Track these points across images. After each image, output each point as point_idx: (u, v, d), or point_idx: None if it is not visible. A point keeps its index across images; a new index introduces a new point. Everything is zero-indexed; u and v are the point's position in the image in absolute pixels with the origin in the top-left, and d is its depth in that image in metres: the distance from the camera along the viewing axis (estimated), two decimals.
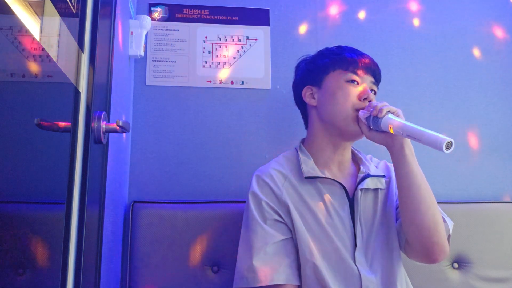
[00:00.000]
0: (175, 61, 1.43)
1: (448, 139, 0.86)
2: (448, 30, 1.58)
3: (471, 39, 1.58)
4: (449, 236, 1.01)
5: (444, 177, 1.48)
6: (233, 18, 1.48)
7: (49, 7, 0.62)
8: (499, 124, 1.54)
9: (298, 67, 1.20)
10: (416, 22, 1.57)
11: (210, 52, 1.46)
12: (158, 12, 1.44)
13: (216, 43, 1.46)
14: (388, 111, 0.98)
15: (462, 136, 1.51)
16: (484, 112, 1.54)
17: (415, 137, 0.92)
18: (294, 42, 1.49)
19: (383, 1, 1.57)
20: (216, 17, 1.48)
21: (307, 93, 1.13)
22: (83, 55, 0.77)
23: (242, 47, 1.47)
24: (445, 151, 0.86)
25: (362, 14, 1.55)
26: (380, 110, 0.97)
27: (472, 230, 1.34)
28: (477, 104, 1.55)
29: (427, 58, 1.55)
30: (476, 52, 1.58)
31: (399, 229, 1.04)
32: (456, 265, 1.32)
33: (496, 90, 1.56)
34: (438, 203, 1.34)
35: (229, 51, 1.46)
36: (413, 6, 1.58)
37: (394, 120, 0.96)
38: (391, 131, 0.96)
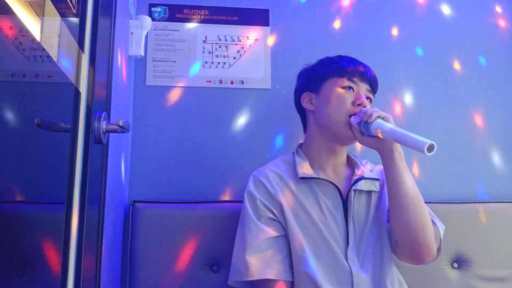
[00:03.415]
0: (175, 61, 1.43)
1: (429, 142, 0.89)
2: (447, 30, 1.58)
3: (471, 39, 1.58)
4: (440, 240, 1.04)
5: (444, 177, 1.48)
6: (233, 18, 1.49)
7: (49, 7, 0.62)
8: (499, 124, 1.54)
9: (300, 75, 1.24)
10: (415, 22, 1.57)
11: (210, 52, 1.46)
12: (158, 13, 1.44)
13: (216, 43, 1.46)
14: (378, 116, 1.01)
15: (462, 136, 1.51)
16: (484, 112, 1.54)
17: (401, 141, 0.96)
18: (294, 42, 1.49)
19: (382, 2, 1.57)
20: (216, 17, 1.48)
21: (305, 99, 1.17)
22: (83, 55, 0.77)
23: (242, 47, 1.47)
24: (427, 153, 0.90)
25: (361, 15, 1.55)
26: (370, 115, 1.01)
27: (472, 230, 1.34)
28: (477, 104, 1.54)
29: (426, 59, 1.55)
30: (476, 52, 1.58)
31: (390, 231, 1.07)
32: (455, 264, 1.32)
33: (496, 90, 1.56)
34: (437, 203, 1.35)
35: (229, 51, 1.46)
36: (413, 7, 1.58)
37: (383, 125, 0.99)
38: (380, 135, 1.00)
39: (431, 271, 1.29)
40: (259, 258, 1.00)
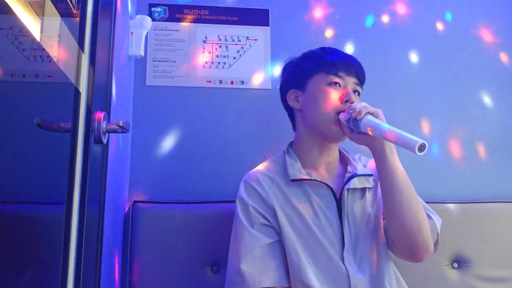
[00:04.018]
0: (175, 61, 1.44)
1: (420, 141, 0.87)
2: (448, 30, 1.58)
3: (471, 39, 1.58)
4: (438, 233, 1.02)
5: (443, 177, 1.48)
6: (233, 18, 1.49)
7: (49, 7, 0.62)
8: (499, 124, 1.54)
9: (284, 70, 1.21)
10: (416, 22, 1.57)
11: (210, 52, 1.46)
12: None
13: (216, 43, 1.46)
14: (368, 113, 0.99)
15: (462, 136, 1.51)
16: (484, 112, 1.54)
17: (391, 139, 0.93)
18: (294, 42, 1.49)
19: (383, 1, 1.57)
20: (216, 17, 1.48)
21: (291, 97, 1.14)
22: (83, 55, 0.77)
23: (242, 47, 1.47)
24: (418, 153, 0.87)
25: (361, 14, 1.55)
26: (359, 112, 0.98)
27: (472, 230, 1.34)
28: (477, 104, 1.55)
29: (427, 58, 1.55)
30: (476, 53, 1.58)
31: (386, 228, 1.04)
32: (455, 265, 1.32)
33: (496, 90, 1.56)
34: (437, 203, 1.35)
35: (229, 51, 1.46)
36: (413, 7, 1.58)
37: (372, 122, 0.97)
38: (370, 133, 0.97)
39: (431, 271, 1.29)
40: (254, 267, 0.97)
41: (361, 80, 1.11)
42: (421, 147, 0.87)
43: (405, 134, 0.91)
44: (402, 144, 0.90)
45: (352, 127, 1.00)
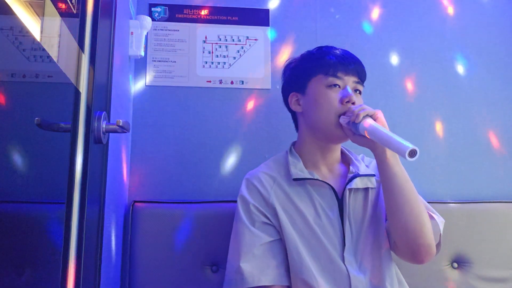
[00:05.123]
0: (175, 61, 1.44)
1: (411, 147, 0.86)
2: (449, 30, 1.58)
3: (472, 39, 1.58)
4: (440, 235, 1.02)
5: (444, 177, 1.47)
6: (233, 18, 1.49)
7: (50, 7, 0.62)
8: (499, 124, 1.54)
9: (284, 72, 1.20)
10: (416, 21, 1.57)
11: (210, 52, 1.46)
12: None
13: (216, 43, 1.46)
14: (366, 115, 0.97)
15: (462, 136, 1.51)
16: (484, 112, 1.54)
17: (383, 143, 0.93)
18: (294, 42, 1.49)
19: (383, 1, 1.57)
20: (216, 17, 1.48)
21: (292, 100, 1.13)
22: (83, 55, 0.77)
23: (242, 47, 1.47)
24: (408, 158, 0.86)
25: (362, 14, 1.55)
26: (357, 115, 0.97)
27: (472, 230, 1.34)
28: (477, 104, 1.54)
29: (428, 58, 1.55)
30: (477, 53, 1.58)
31: (389, 229, 1.04)
32: (455, 264, 1.32)
33: (496, 91, 1.56)
34: (437, 203, 1.35)
35: (229, 51, 1.46)
36: (415, 6, 1.58)
37: (368, 125, 0.96)
38: (367, 135, 0.97)
39: (431, 271, 1.29)
40: (254, 265, 0.97)
41: (361, 78, 1.09)
42: (412, 153, 0.86)
43: (397, 139, 0.89)
44: (393, 148, 0.90)
45: (352, 129, 1.00)
